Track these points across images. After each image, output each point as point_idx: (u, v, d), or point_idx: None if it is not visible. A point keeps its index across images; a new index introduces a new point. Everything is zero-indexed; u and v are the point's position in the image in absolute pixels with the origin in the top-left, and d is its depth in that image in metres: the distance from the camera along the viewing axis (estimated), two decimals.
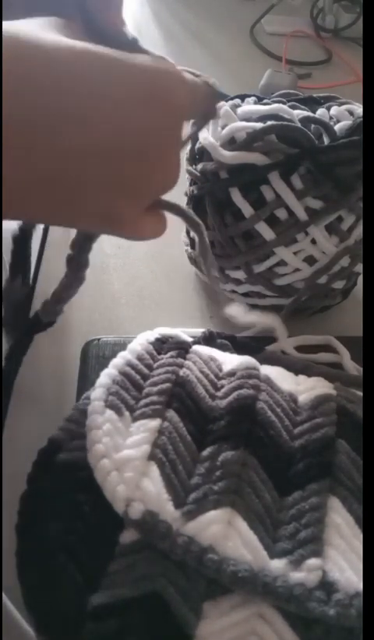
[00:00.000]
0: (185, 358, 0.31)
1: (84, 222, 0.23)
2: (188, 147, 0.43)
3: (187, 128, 0.25)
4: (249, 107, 0.40)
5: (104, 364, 0.30)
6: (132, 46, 0.22)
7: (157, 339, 0.32)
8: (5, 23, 0.18)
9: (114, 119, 0.19)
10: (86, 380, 0.37)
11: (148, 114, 0.20)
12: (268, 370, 0.31)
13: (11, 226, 0.31)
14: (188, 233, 0.46)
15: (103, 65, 0.19)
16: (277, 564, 0.23)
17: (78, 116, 0.18)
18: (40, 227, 0.49)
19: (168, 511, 0.24)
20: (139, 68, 0.20)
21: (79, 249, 0.28)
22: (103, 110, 0.19)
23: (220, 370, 0.31)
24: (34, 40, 0.18)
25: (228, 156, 0.37)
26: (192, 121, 0.29)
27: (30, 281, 0.41)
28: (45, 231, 0.49)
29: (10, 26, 0.18)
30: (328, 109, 0.41)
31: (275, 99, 0.41)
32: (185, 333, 0.34)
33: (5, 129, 0.17)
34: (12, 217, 0.20)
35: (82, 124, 0.19)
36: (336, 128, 0.38)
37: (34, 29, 0.18)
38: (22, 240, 0.31)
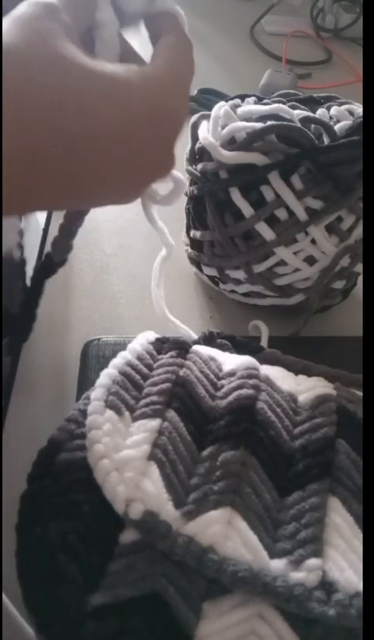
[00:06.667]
0: (185, 358, 0.31)
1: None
2: (189, 147, 0.43)
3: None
4: (249, 107, 0.40)
5: (104, 364, 0.30)
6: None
7: (157, 339, 0.32)
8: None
9: (124, 138, 0.22)
10: (86, 380, 0.37)
11: (152, 133, 0.23)
12: (268, 371, 0.31)
13: None
14: (188, 233, 0.46)
15: (119, 89, 0.21)
16: (277, 564, 0.23)
17: (95, 132, 0.21)
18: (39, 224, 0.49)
19: (168, 511, 0.24)
20: (145, 92, 0.22)
21: None
22: (115, 130, 0.21)
23: (220, 370, 0.31)
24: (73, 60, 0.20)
25: (228, 156, 0.37)
26: None
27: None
28: (46, 229, 0.49)
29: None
30: (328, 109, 0.41)
31: (275, 99, 0.41)
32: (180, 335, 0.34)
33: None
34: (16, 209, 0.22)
35: (97, 143, 0.21)
36: (336, 128, 0.38)
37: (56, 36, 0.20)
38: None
